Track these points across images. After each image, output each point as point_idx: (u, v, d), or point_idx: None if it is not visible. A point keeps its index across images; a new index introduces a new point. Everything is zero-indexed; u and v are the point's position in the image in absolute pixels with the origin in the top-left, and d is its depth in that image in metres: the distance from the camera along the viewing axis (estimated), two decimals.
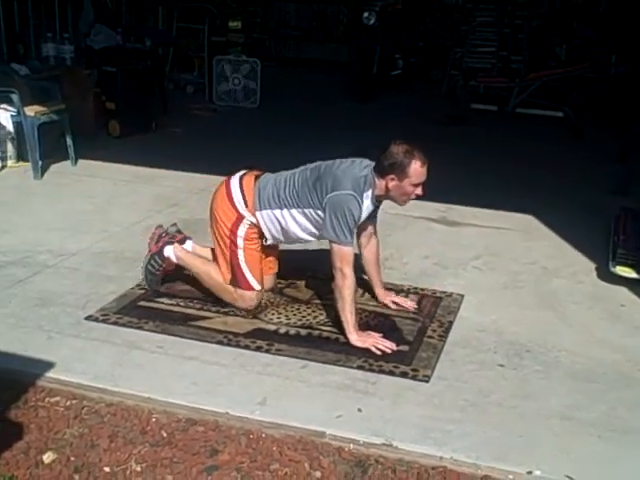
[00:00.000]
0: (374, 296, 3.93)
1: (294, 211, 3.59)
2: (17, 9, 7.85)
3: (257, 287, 3.73)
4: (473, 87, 9.50)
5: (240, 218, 3.66)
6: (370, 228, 3.81)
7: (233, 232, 3.66)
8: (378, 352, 3.38)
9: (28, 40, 7.98)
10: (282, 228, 3.66)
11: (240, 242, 3.66)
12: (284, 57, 12.92)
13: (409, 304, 3.89)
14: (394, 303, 3.88)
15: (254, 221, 3.66)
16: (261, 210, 3.62)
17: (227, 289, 3.75)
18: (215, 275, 3.78)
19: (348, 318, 3.46)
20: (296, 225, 3.63)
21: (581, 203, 5.70)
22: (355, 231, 3.54)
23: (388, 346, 3.42)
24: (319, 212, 3.52)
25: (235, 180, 3.72)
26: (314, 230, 3.64)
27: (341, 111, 9.31)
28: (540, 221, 5.32)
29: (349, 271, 3.44)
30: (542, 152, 7.54)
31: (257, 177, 3.72)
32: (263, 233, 3.72)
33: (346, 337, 3.47)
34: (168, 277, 4.01)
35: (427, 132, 7.88)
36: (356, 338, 3.44)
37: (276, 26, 13.38)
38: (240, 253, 3.67)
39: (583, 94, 9.44)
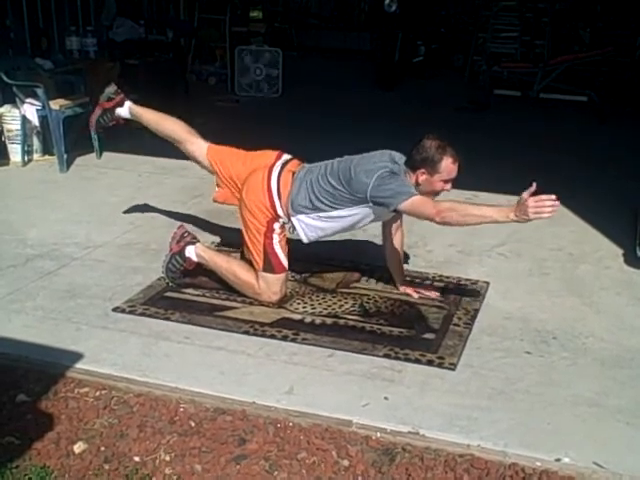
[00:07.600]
0: (395, 287, 3.91)
1: (333, 212, 3.58)
2: (40, 3, 7.89)
3: (287, 266, 3.74)
4: (496, 73, 9.43)
5: (276, 218, 3.66)
6: (397, 219, 3.80)
7: (269, 226, 3.66)
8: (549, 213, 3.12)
9: (52, 34, 8.02)
10: (319, 229, 3.67)
11: (277, 229, 3.67)
12: (306, 46, 12.90)
13: (433, 294, 3.87)
14: (416, 292, 3.87)
15: (287, 222, 3.69)
16: (296, 215, 3.63)
17: (250, 285, 3.73)
18: (239, 272, 3.77)
19: (487, 212, 3.30)
20: (336, 224, 3.64)
21: (607, 188, 5.65)
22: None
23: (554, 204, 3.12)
24: (362, 205, 3.51)
25: (274, 177, 3.68)
26: (357, 222, 3.65)
27: (364, 99, 9.27)
28: (565, 207, 5.26)
29: (439, 206, 3.33)
30: (567, 137, 7.47)
31: (294, 174, 3.70)
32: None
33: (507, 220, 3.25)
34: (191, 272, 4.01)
35: (450, 119, 7.86)
36: (512, 215, 3.20)
37: (297, 15, 13.36)
38: (275, 238, 3.67)
39: (608, 78, 9.34)
